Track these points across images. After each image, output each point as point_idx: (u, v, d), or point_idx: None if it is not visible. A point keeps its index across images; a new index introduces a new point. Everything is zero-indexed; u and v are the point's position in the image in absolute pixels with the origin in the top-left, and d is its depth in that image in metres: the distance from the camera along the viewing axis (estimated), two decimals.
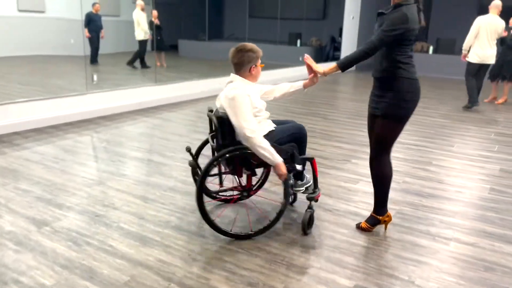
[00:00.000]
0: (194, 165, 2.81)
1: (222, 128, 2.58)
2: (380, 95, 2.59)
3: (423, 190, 3.50)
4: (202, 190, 2.55)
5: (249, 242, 2.59)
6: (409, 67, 2.50)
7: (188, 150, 2.79)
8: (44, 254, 2.39)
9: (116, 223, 2.78)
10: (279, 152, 2.54)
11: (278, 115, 6.05)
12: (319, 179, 3.68)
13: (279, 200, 3.14)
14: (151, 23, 8.39)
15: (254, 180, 3.06)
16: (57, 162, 3.89)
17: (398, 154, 4.48)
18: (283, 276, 2.26)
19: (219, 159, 2.54)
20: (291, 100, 7.27)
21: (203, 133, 5.10)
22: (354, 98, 8.01)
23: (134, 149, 4.38)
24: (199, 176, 2.56)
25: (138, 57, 8.59)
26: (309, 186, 2.86)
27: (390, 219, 2.80)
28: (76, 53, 6.37)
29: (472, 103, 6.97)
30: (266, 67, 3.00)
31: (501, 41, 7.17)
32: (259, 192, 3.20)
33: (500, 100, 7.66)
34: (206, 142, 2.98)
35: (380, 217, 2.76)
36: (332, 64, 2.50)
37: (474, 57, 6.81)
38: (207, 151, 3.05)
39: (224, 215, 2.95)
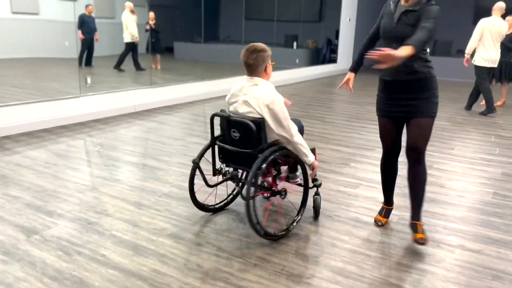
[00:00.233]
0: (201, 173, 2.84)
1: (259, 132, 2.53)
2: (414, 98, 2.54)
3: (425, 195, 3.41)
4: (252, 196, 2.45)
5: (248, 251, 2.49)
6: (432, 65, 2.58)
7: (196, 164, 2.78)
8: (32, 265, 2.28)
9: (108, 231, 2.67)
10: None
11: None
12: None
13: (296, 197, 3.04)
14: (148, 27, 8.27)
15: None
16: (49, 167, 3.78)
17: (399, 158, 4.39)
18: (284, 287, 2.17)
19: (267, 160, 2.49)
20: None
21: (200, 136, 5.01)
22: (351, 101, 7.94)
23: (128, 153, 4.27)
24: (249, 181, 2.45)
25: (123, 59, 8.44)
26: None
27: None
28: (71, 56, 6.25)
29: (490, 109, 6.67)
30: None
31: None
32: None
33: (498, 103, 7.61)
34: (208, 147, 2.86)
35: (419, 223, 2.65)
36: (407, 48, 2.29)
37: (481, 61, 6.62)
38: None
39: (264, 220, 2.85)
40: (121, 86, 6.69)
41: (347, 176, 3.82)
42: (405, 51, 2.27)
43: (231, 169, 2.87)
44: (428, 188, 3.56)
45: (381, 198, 3.32)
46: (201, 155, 2.82)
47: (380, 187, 3.56)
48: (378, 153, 4.53)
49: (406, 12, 2.49)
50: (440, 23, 12.33)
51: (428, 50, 2.58)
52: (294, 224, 2.75)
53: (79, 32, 7.15)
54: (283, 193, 2.81)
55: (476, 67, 6.71)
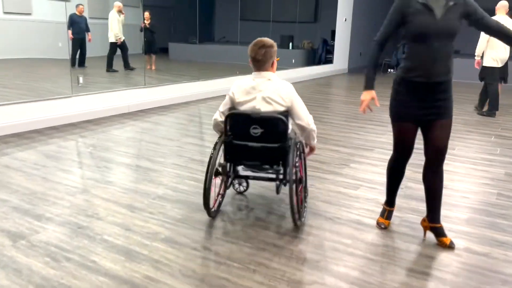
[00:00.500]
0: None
1: (286, 125, 2.62)
2: (442, 98, 2.45)
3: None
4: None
5: (246, 256, 2.37)
6: None
7: (224, 167, 2.76)
8: (18, 272, 2.15)
9: (100, 235, 2.54)
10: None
11: None
12: (317, 185, 3.49)
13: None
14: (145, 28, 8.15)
15: None
16: (38, 169, 3.64)
17: None
18: None
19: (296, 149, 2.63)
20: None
21: (195, 136, 4.89)
22: (348, 101, 7.85)
23: (121, 154, 4.14)
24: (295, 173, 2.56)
25: (111, 60, 8.32)
26: None
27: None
28: (64, 57, 6.12)
29: (491, 112, 6.55)
30: None
31: None
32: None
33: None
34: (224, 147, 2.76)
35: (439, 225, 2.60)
36: None
37: (490, 61, 6.44)
38: (197, 155, 2.84)
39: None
40: (114, 86, 6.57)
41: (346, 177, 3.71)
42: None
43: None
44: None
45: (382, 199, 3.22)
46: (217, 156, 2.72)
47: (381, 188, 3.46)
48: (378, 154, 4.44)
49: (452, 6, 2.32)
50: None
51: None
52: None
53: (69, 32, 7.03)
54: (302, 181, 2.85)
55: (487, 68, 6.51)
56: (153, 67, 9.13)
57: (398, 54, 12.78)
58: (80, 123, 5.34)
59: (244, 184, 3.24)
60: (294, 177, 2.53)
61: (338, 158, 4.23)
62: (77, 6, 7.30)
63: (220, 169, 2.75)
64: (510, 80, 7.56)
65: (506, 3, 6.42)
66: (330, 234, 2.66)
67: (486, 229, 2.80)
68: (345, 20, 12.25)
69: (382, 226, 2.76)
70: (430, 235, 2.64)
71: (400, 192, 3.37)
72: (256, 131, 2.60)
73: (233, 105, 2.70)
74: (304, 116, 2.70)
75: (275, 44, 2.65)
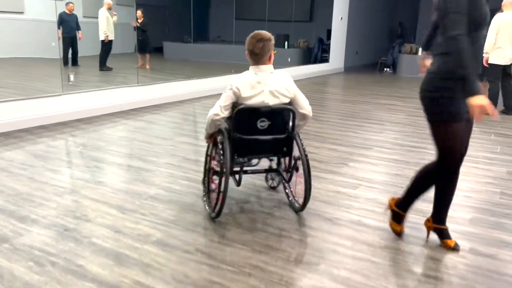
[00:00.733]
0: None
1: (294, 117, 2.73)
2: None
3: (430, 196, 3.20)
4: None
5: (241, 259, 2.25)
6: None
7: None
8: None
9: (87, 238, 2.42)
10: None
11: None
12: (316, 184, 3.37)
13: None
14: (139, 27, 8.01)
15: None
16: (25, 168, 3.50)
17: (397, 157, 4.19)
18: None
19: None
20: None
21: (189, 135, 4.76)
22: (345, 99, 7.75)
23: (113, 153, 4.01)
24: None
25: (103, 57, 8.17)
26: None
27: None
28: (57, 56, 5.98)
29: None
30: None
31: None
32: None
33: None
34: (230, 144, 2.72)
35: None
36: None
37: (495, 59, 6.27)
38: (191, 155, 2.72)
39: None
40: (107, 85, 6.43)
41: (345, 176, 3.60)
42: None
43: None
44: (432, 189, 3.35)
45: (382, 199, 3.11)
46: (231, 157, 2.68)
47: (380, 187, 3.36)
48: (376, 152, 4.33)
49: None
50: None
51: None
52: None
53: (58, 31, 6.90)
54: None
55: (491, 65, 6.30)
56: (148, 66, 8.99)
57: (394, 53, 12.72)
58: (71, 122, 5.20)
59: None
60: (305, 155, 2.66)
61: (336, 157, 4.12)
62: (67, 4, 7.15)
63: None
64: None
65: None
66: (329, 236, 2.54)
67: (491, 229, 2.69)
68: (341, 18, 12.16)
69: (399, 233, 2.57)
70: (434, 236, 2.54)
71: (400, 191, 3.28)
72: (264, 123, 2.62)
73: (236, 100, 2.59)
74: (306, 105, 2.75)
75: (272, 37, 2.60)
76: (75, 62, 7.53)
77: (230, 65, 9.31)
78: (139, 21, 8.05)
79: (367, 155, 4.25)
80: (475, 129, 5.70)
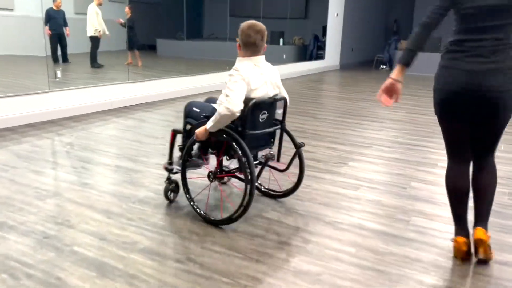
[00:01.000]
0: None
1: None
2: None
3: (434, 197, 3.05)
4: None
5: (237, 269, 2.07)
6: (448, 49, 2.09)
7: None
8: None
9: (69, 246, 2.22)
10: None
11: None
12: (314, 185, 3.20)
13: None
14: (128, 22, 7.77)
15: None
16: (7, 170, 3.30)
17: (398, 155, 4.03)
18: None
19: None
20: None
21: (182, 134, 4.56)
22: (342, 97, 7.58)
23: (101, 153, 3.81)
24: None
25: (93, 54, 7.96)
26: None
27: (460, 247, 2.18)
28: (47, 53, 5.77)
29: None
30: None
31: None
32: None
33: None
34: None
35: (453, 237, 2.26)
36: None
37: None
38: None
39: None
40: (96, 82, 6.22)
41: (345, 176, 3.43)
42: None
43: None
44: (436, 189, 3.19)
45: (385, 200, 2.94)
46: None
47: (382, 188, 3.19)
48: (376, 151, 4.17)
49: None
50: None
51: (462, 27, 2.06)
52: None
53: (46, 27, 6.70)
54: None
55: None
56: (139, 63, 8.76)
57: (390, 50, 12.57)
58: (59, 120, 4.99)
59: None
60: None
61: (335, 156, 3.95)
62: (54, 0, 6.93)
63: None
64: None
65: None
66: (330, 242, 2.36)
67: (502, 233, 2.53)
68: (337, 15, 12.00)
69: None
70: (449, 244, 2.37)
71: (402, 192, 3.11)
72: (264, 116, 2.55)
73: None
74: (286, 95, 2.72)
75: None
76: (65, 59, 7.31)
77: (224, 62, 9.12)
78: (127, 17, 7.82)
79: (366, 154, 4.08)
80: None
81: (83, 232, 2.37)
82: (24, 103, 4.79)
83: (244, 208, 2.40)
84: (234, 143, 2.38)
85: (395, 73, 2.14)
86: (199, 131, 2.47)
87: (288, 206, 2.81)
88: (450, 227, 2.57)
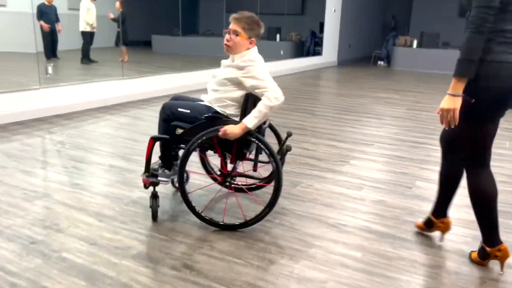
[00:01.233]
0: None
1: None
2: None
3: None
4: None
5: (236, 276, 1.94)
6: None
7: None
8: None
9: (57, 252, 2.08)
10: None
11: None
12: (316, 185, 3.07)
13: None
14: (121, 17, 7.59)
15: None
16: None
17: (401, 153, 3.91)
18: None
19: None
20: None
21: None
22: (340, 93, 7.45)
23: (93, 152, 3.67)
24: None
25: (85, 50, 7.80)
26: None
27: (507, 255, 2.02)
28: (38, 49, 5.60)
29: None
30: None
31: None
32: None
33: None
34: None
35: (489, 249, 2.04)
36: None
37: None
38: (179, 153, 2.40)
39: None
40: (89, 78, 6.06)
41: (347, 175, 3.30)
42: None
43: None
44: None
45: (390, 201, 2.82)
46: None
47: (386, 188, 3.06)
48: (378, 149, 4.04)
49: None
50: (427, 15, 11.94)
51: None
52: None
53: (41, 22, 6.54)
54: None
55: None
56: (125, 59, 8.52)
57: (388, 46, 12.45)
58: (50, 117, 4.83)
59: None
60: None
61: (336, 154, 3.82)
62: None
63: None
64: None
65: None
66: (335, 246, 2.24)
67: None
68: (334, 10, 11.86)
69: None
70: (461, 247, 2.25)
71: (407, 192, 2.99)
72: None
73: None
74: None
75: None
76: (54, 54, 7.16)
77: (220, 59, 8.98)
78: (118, 12, 7.64)
79: (368, 152, 3.95)
80: None
81: (73, 237, 2.23)
82: (13, 100, 4.63)
83: (269, 209, 2.29)
84: (261, 144, 2.25)
85: (451, 88, 1.81)
86: (232, 131, 2.19)
87: (288, 207, 2.68)
88: (460, 229, 2.46)
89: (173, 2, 13.13)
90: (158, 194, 2.47)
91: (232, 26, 2.34)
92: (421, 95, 7.28)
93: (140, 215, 2.51)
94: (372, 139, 4.38)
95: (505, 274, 2.03)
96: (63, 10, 7.67)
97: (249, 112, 2.22)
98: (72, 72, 7.28)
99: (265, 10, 11.73)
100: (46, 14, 6.83)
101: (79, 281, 1.86)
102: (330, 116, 5.49)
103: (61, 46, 7.29)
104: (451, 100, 1.82)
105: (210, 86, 2.46)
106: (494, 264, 2.09)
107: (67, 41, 7.55)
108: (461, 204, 2.80)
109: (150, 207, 2.44)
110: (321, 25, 11.95)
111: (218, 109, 2.35)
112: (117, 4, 7.50)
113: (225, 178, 2.50)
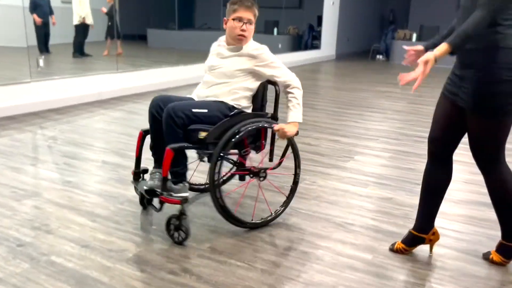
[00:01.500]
0: None
1: None
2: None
3: (451, 194, 2.80)
4: None
5: (239, 280, 1.81)
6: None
7: None
8: None
9: (46, 255, 1.94)
10: None
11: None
12: (319, 182, 2.94)
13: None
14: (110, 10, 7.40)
15: None
16: None
17: (406, 148, 3.78)
18: None
19: None
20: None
21: None
22: (340, 87, 7.31)
23: (86, 148, 3.52)
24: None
25: (77, 44, 7.62)
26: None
27: None
28: (32, 42, 5.43)
29: None
30: None
31: None
32: None
33: None
34: None
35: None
36: None
37: None
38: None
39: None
40: (84, 72, 5.89)
41: (352, 171, 3.17)
42: None
43: None
44: (452, 185, 2.94)
45: (398, 198, 2.69)
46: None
47: (393, 184, 2.93)
48: (383, 144, 3.91)
49: None
50: (426, 9, 11.73)
51: None
52: None
53: (34, 15, 6.36)
54: None
55: None
56: (106, 52, 8.30)
57: (387, 40, 12.31)
58: (42, 112, 4.67)
59: None
60: None
61: (339, 150, 3.69)
62: None
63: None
64: None
65: None
66: (343, 247, 2.11)
67: None
68: (333, 3, 11.70)
69: None
70: (476, 247, 2.12)
71: (416, 189, 2.86)
72: None
73: None
74: None
75: (233, 2, 2.27)
76: (46, 48, 6.99)
77: None
78: (108, 5, 7.45)
79: (372, 146, 3.82)
80: None
81: (63, 238, 2.09)
82: (4, 94, 4.46)
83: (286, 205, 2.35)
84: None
85: (440, 51, 1.72)
86: (291, 132, 2.26)
87: (292, 205, 2.54)
88: (473, 228, 2.33)
89: None
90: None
91: (246, 15, 2.20)
92: (420, 88, 7.15)
93: (135, 215, 2.37)
94: (375, 134, 4.25)
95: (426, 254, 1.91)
96: (57, 3, 7.48)
97: (266, 101, 2.31)
98: (64, 66, 7.10)
99: (263, 4, 11.53)
100: (40, 6, 6.66)
101: (69, 286, 1.72)
102: (331, 110, 5.35)
103: (54, 40, 7.11)
104: (434, 62, 1.74)
105: (208, 79, 2.31)
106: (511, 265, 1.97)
107: (61, 35, 7.38)
108: (467, 201, 2.69)
109: (183, 229, 2.06)
110: (319, 19, 11.80)
111: (232, 103, 2.20)
112: None
113: (259, 171, 2.27)
